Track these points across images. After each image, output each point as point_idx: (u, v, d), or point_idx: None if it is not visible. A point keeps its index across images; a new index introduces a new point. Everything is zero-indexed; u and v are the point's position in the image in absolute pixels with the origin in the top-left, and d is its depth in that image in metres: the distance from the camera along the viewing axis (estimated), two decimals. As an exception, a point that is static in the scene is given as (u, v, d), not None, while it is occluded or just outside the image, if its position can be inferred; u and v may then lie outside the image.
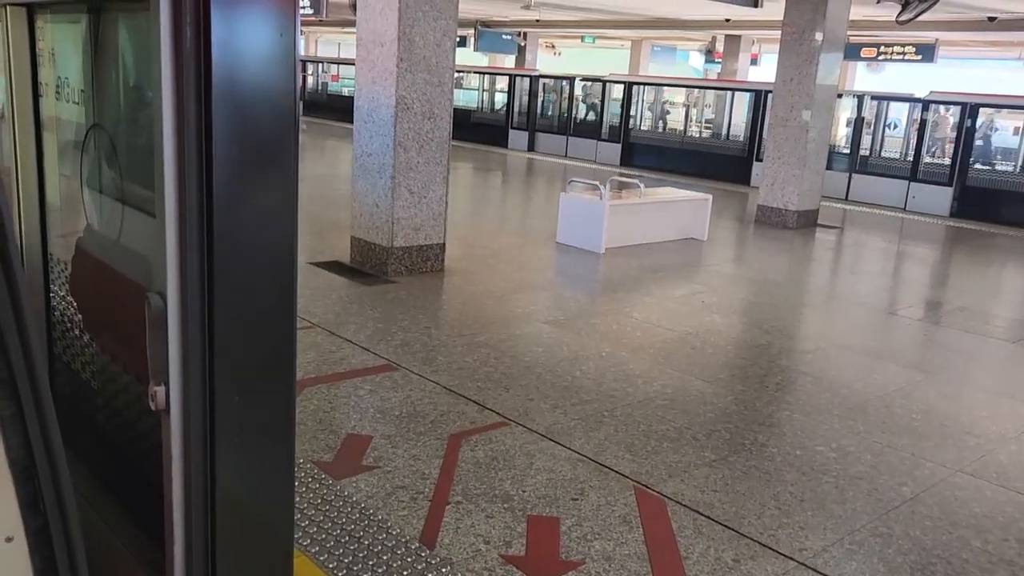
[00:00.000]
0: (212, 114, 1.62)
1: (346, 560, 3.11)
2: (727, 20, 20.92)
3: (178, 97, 1.60)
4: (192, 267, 1.67)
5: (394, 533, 3.32)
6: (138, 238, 1.93)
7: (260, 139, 1.73)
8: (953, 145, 14.64)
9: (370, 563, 3.11)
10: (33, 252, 2.42)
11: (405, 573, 3.07)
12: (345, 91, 27.58)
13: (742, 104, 18.38)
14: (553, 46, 33.53)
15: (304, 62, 29.08)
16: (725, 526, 3.59)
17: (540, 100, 21.76)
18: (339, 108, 25.48)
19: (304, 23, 27.23)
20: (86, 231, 2.24)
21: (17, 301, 1.21)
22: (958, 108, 14.50)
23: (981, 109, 14.26)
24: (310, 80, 29.37)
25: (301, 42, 1.67)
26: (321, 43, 40.73)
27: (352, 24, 19.55)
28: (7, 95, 2.31)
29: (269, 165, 1.76)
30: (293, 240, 1.84)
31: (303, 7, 17.17)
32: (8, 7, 2.16)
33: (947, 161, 14.81)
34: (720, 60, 26.36)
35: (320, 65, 30.01)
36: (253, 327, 1.80)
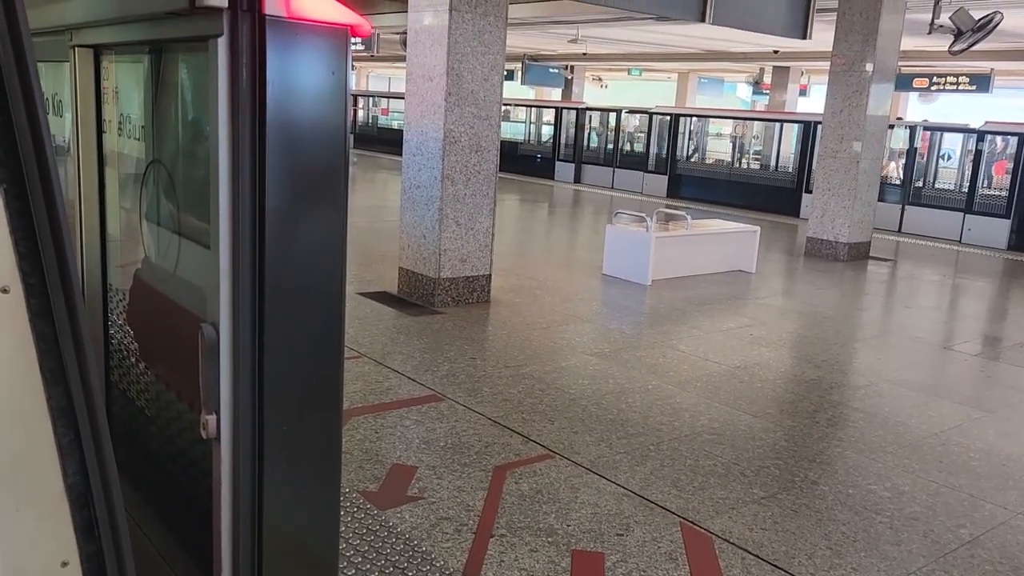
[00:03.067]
0: (266, 150, 1.67)
1: (390, 591, 3.11)
2: (775, 52, 20.85)
3: (233, 133, 1.65)
4: (244, 298, 1.71)
5: (438, 565, 3.31)
6: (194, 269, 1.98)
7: (311, 174, 1.78)
8: (1010, 176, 14.31)
9: (413, 595, 3.10)
10: (93, 282, 2.50)
11: (448, 606, 3.05)
12: (395, 124, 28.06)
13: (791, 135, 18.23)
14: (600, 79, 33.71)
15: (355, 96, 29.68)
16: (775, 566, 3.51)
17: (586, 132, 21.86)
18: (389, 141, 25.91)
19: (356, 58, 27.83)
20: (144, 262, 2.31)
21: (77, 331, 1.25)
22: (1015, 139, 14.19)
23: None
24: (361, 114, 29.95)
25: (352, 77, 1.74)
26: (372, 77, 41.54)
27: (403, 59, 19.95)
28: (73, 131, 2.40)
29: (320, 199, 1.80)
30: (342, 272, 1.88)
31: (355, 43, 17.58)
32: (77, 48, 2.25)
33: (1004, 193, 14.47)
34: (768, 91, 26.22)
35: (371, 99, 30.59)
36: (302, 358, 1.83)
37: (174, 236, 2.11)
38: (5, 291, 1.19)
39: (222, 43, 1.60)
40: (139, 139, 2.23)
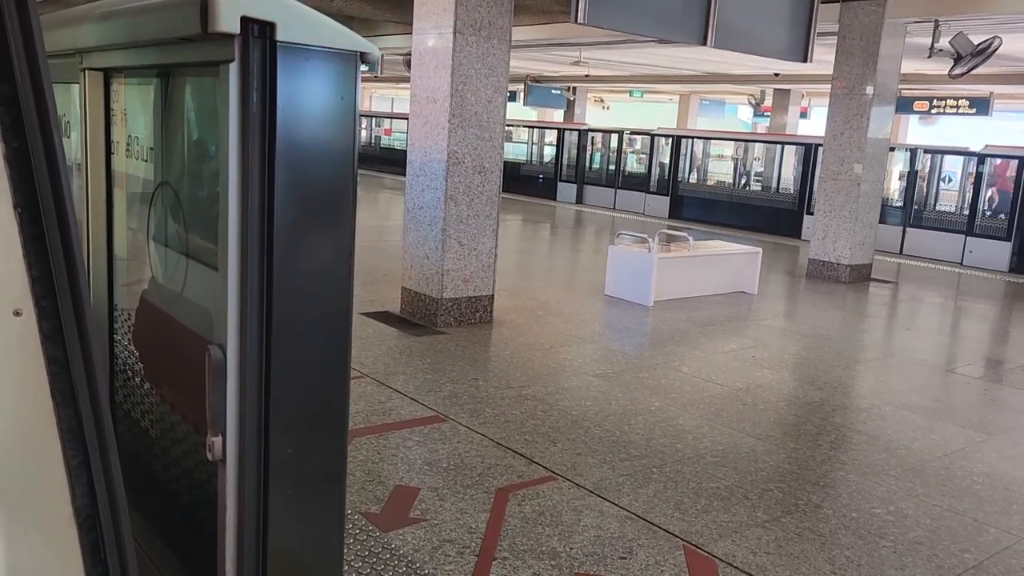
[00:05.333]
0: (275, 173, 1.68)
1: (392, 614, 3.09)
2: (776, 75, 20.96)
3: (243, 157, 1.67)
4: (252, 320, 1.72)
5: (440, 588, 3.29)
6: (201, 291, 1.99)
7: (320, 197, 1.79)
8: (1011, 199, 14.34)
9: (416, 618, 3.08)
10: (99, 303, 2.51)
11: (450, 630, 3.03)
12: (397, 144, 28.17)
13: (792, 157, 18.30)
14: (602, 100, 33.90)
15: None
16: (778, 590, 3.49)
17: (588, 153, 21.96)
18: (390, 161, 26.01)
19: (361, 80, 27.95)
20: (151, 283, 2.32)
21: (88, 354, 1.26)
22: (1015, 162, 14.24)
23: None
24: (364, 134, 30.10)
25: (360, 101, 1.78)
26: (375, 99, 41.78)
27: (406, 80, 20.07)
28: (81, 152, 2.42)
29: (328, 222, 1.81)
30: (349, 294, 1.89)
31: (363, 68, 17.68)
32: (88, 71, 2.28)
33: (1005, 215, 14.50)
34: (769, 113, 26.34)
35: (373, 119, 30.76)
36: (309, 379, 1.83)
37: (181, 257, 2.12)
38: (18, 314, 1.20)
39: (233, 68, 1.62)
40: (147, 161, 2.25)
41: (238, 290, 1.72)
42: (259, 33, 1.61)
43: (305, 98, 1.70)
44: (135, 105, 2.34)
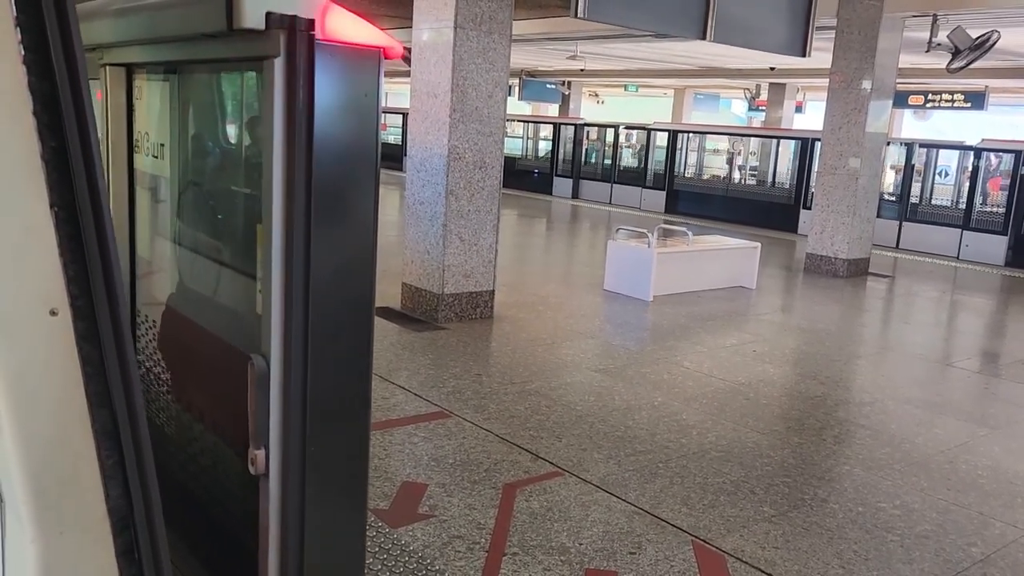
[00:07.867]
0: (313, 174, 1.64)
1: (405, 611, 3.09)
2: (772, 68, 20.98)
3: (288, 156, 1.62)
4: (296, 328, 1.67)
5: (452, 584, 3.29)
6: (234, 298, 1.96)
7: (346, 197, 1.77)
8: (1007, 193, 14.38)
9: (429, 615, 3.08)
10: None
11: (464, 626, 3.03)
12: (391, 139, 28.05)
13: (788, 152, 18.31)
14: (596, 94, 33.85)
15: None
16: (789, 585, 3.49)
17: (584, 148, 21.93)
18: (383, 155, 25.90)
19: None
20: (178, 288, 2.29)
21: (123, 354, 1.25)
22: (1011, 156, 14.28)
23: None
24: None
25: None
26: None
27: (400, 74, 19.99)
28: (104, 150, 2.39)
29: (354, 222, 1.79)
30: (372, 293, 1.87)
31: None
32: (109, 67, 2.24)
33: (1001, 209, 14.54)
34: (763, 108, 26.35)
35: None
36: (339, 383, 1.79)
37: (211, 263, 2.09)
38: (54, 313, 1.19)
39: (279, 65, 1.58)
40: (173, 160, 2.21)
41: (282, 298, 1.67)
42: (305, 28, 1.58)
43: (335, 95, 1.67)
44: (160, 102, 2.30)
